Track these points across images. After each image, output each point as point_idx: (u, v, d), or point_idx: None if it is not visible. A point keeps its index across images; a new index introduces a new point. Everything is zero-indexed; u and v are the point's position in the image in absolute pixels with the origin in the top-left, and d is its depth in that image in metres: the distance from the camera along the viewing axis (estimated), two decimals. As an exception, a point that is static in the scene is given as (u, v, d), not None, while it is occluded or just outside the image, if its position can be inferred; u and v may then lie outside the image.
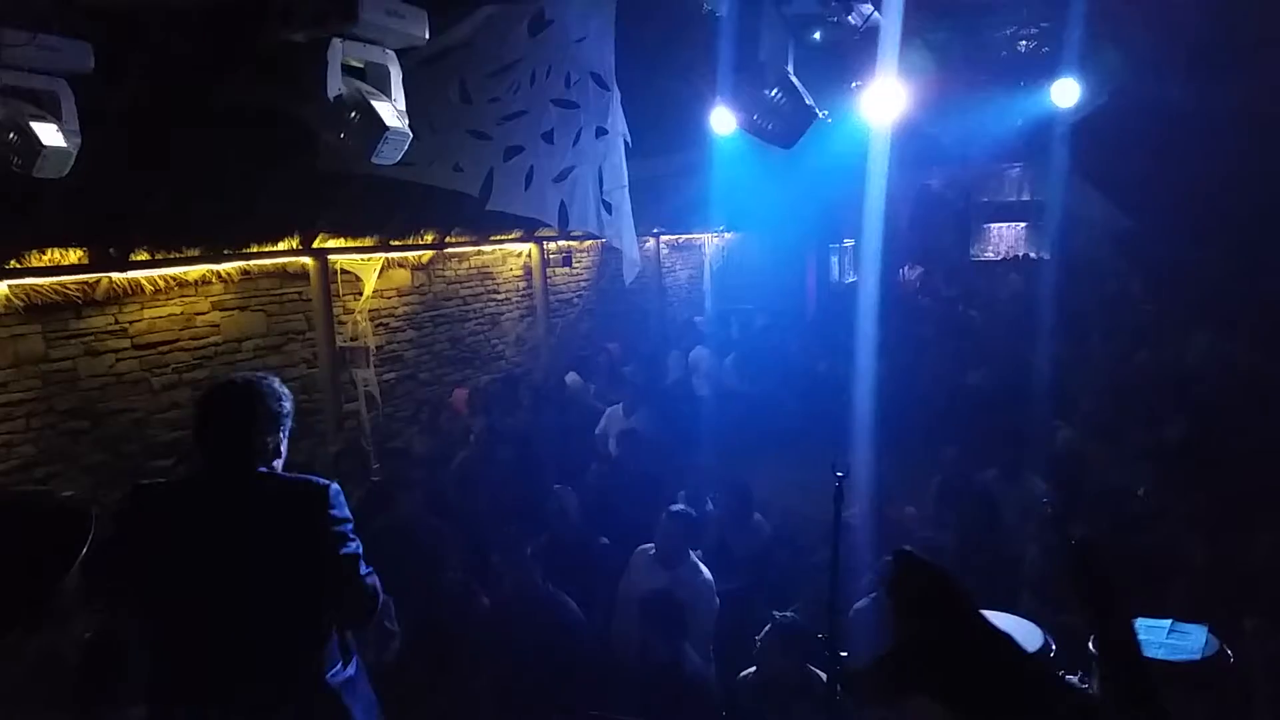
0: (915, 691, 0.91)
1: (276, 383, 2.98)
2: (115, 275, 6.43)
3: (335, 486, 2.87)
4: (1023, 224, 17.88)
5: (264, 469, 2.89)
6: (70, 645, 4.03)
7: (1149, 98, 8.28)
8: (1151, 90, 8.15)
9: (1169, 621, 3.82)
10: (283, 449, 2.96)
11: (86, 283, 6.31)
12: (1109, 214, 12.35)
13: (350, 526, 2.88)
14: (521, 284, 11.38)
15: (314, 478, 2.91)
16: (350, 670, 2.97)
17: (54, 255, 5.86)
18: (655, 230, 13.84)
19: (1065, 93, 8.14)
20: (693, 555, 5.22)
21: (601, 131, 5.61)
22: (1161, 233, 10.46)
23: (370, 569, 2.92)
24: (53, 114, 3.67)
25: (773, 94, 4.68)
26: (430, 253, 9.59)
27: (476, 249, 10.37)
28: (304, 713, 2.83)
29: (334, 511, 2.83)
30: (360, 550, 2.90)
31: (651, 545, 5.27)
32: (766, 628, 4.23)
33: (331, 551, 2.81)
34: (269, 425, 2.89)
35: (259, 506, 2.86)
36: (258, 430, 2.87)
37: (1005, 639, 0.91)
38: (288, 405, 2.98)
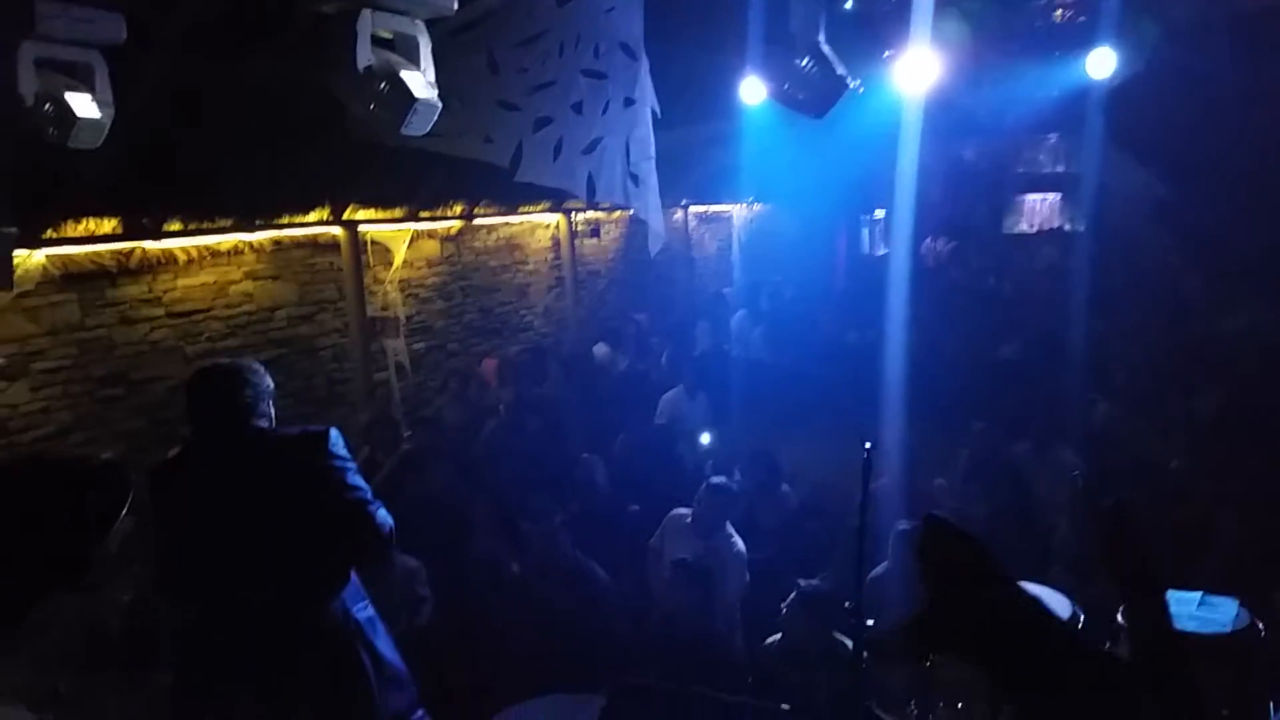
0: (943, 653, 0.92)
1: (252, 363, 3.16)
2: (149, 245, 6.50)
3: (334, 430, 2.99)
4: (1057, 196, 17.61)
5: (259, 426, 3.01)
6: (110, 610, 4.12)
7: (1189, 65, 8.11)
8: (1192, 58, 7.98)
9: (1199, 594, 3.81)
10: (271, 417, 3.08)
11: (121, 252, 6.39)
12: (1146, 185, 12.14)
13: (353, 465, 2.99)
14: (550, 255, 11.39)
15: (311, 426, 3.02)
16: (370, 611, 3.06)
17: (89, 225, 5.92)
18: (683, 201, 13.76)
19: (1101, 63, 7.99)
20: (728, 526, 5.25)
21: (629, 102, 5.58)
22: (1200, 203, 10.28)
23: (379, 503, 3.00)
24: (87, 85, 3.70)
25: (804, 63, 4.61)
26: (459, 224, 9.61)
27: (505, 220, 10.38)
28: (334, 644, 2.92)
29: (334, 449, 2.93)
30: (365, 485, 2.98)
31: (687, 511, 5.31)
32: (791, 595, 4.26)
33: (337, 489, 2.91)
34: (255, 395, 3.06)
35: (263, 458, 2.97)
36: (246, 399, 3.03)
37: (1033, 600, 0.92)
38: (268, 380, 3.15)
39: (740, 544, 5.22)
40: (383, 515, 3.00)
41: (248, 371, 3.07)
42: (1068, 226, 16.56)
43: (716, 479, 5.44)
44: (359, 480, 2.99)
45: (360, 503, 2.95)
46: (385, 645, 3.08)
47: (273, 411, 3.12)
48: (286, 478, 2.94)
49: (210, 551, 2.94)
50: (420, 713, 3.26)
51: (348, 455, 3.00)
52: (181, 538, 2.99)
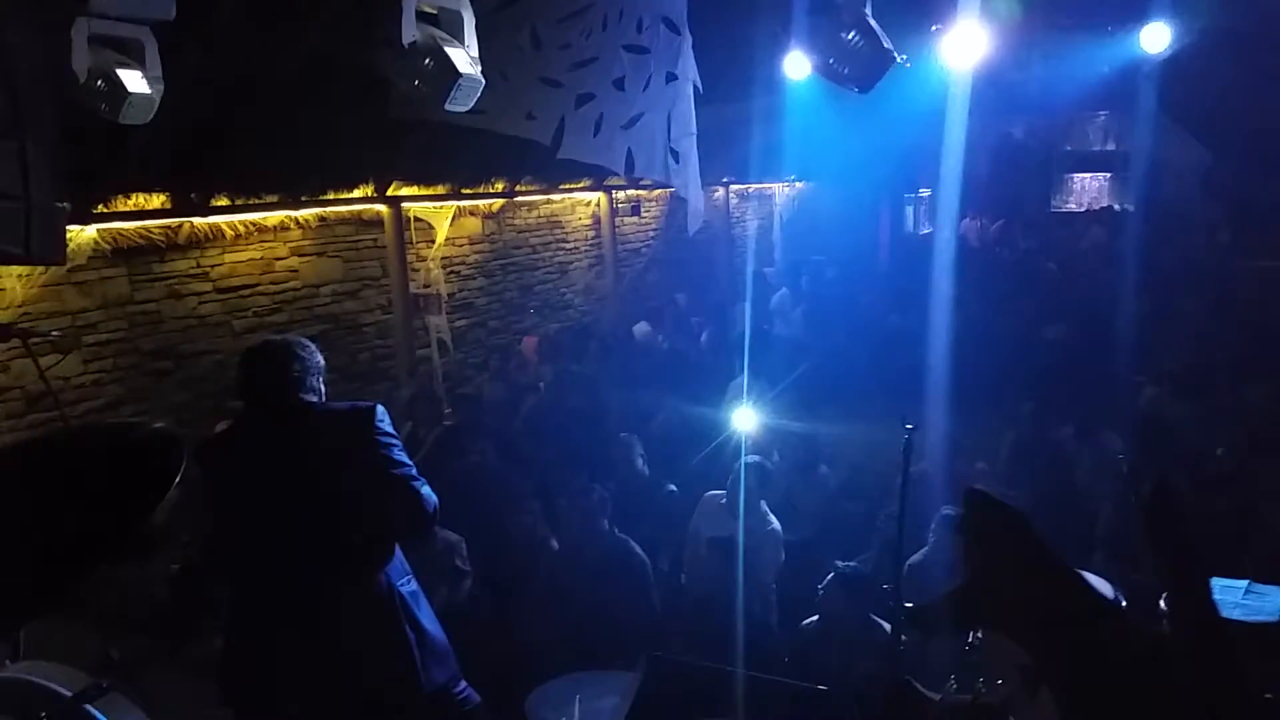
0: (984, 625, 0.91)
1: (303, 340, 3.22)
2: (196, 220, 6.59)
3: (380, 406, 3.04)
4: (1107, 175, 17.29)
5: (308, 400, 3.06)
6: (159, 578, 4.22)
7: (1243, 35, 7.90)
8: (1247, 27, 7.77)
9: (1246, 582, 3.75)
10: (320, 393, 3.16)
11: (169, 227, 6.48)
12: (1198, 163, 11.88)
13: (398, 441, 3.05)
14: (590, 233, 11.39)
15: (360, 402, 3.08)
16: (414, 586, 3.11)
17: (138, 200, 6.02)
18: (724, 179, 13.68)
19: (1155, 37, 7.80)
20: (763, 505, 5.24)
21: (671, 77, 5.54)
22: (1254, 177, 10.03)
23: (423, 480, 3.05)
24: (137, 61, 3.75)
25: (849, 37, 4.54)
26: (500, 201, 9.65)
27: (546, 198, 10.40)
28: (378, 618, 2.97)
29: (380, 425, 2.99)
30: (410, 461, 3.04)
31: (722, 492, 5.30)
32: (829, 576, 4.24)
33: (383, 464, 2.97)
34: (304, 370, 3.11)
35: (312, 431, 3.03)
36: (295, 373, 3.08)
37: (1077, 577, 0.91)
38: (319, 357, 3.20)
39: (776, 523, 5.21)
40: (426, 491, 3.04)
41: (298, 347, 3.13)
42: (1117, 206, 16.27)
43: (750, 458, 5.42)
44: (404, 456, 3.04)
45: (404, 479, 3.00)
46: (428, 619, 3.12)
47: (322, 388, 3.17)
48: (333, 452, 2.99)
49: (258, 524, 3.00)
50: (462, 685, 3.29)
51: (394, 432, 3.06)
52: (231, 510, 3.05)
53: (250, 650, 3.06)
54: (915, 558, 4.77)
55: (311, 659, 2.95)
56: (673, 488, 6.14)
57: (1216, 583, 3.61)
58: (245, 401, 3.17)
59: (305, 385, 3.07)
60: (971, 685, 3.46)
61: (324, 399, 3.18)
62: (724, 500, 5.28)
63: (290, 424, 3.03)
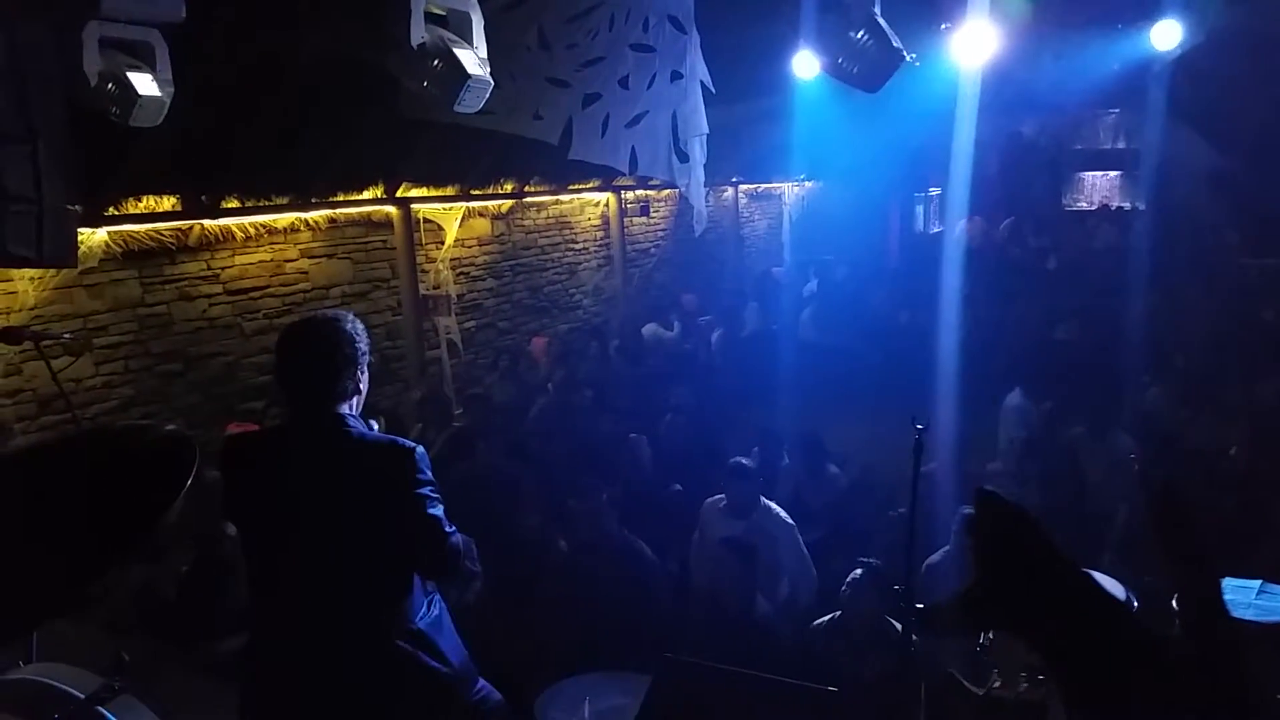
0: (994, 628, 0.91)
1: (352, 322, 2.97)
2: (207, 222, 6.62)
3: (421, 449, 2.90)
4: (1117, 173, 17.22)
5: (348, 413, 2.94)
6: (168, 578, 4.23)
7: (1255, 33, 7.86)
8: (1258, 25, 7.73)
9: (1258, 582, 3.74)
10: (363, 386, 2.98)
11: (180, 229, 6.51)
12: (1208, 162, 11.82)
13: (434, 488, 2.91)
14: (599, 234, 11.40)
15: (401, 440, 2.94)
16: (435, 611, 3.04)
17: (149, 202, 6.05)
18: (733, 179, 13.66)
19: (1166, 35, 7.76)
20: (764, 501, 5.22)
21: (677, 75, 5.53)
22: (1263, 178, 9.97)
23: (454, 528, 2.95)
24: (148, 64, 3.76)
25: (858, 36, 4.53)
26: (510, 202, 9.66)
27: (555, 199, 10.41)
28: (395, 657, 2.92)
29: (419, 474, 2.87)
30: (443, 511, 2.93)
31: (722, 496, 5.29)
32: (858, 571, 4.21)
33: (417, 511, 2.85)
34: (347, 364, 2.90)
35: (349, 460, 2.89)
36: (336, 369, 2.89)
37: (1087, 578, 0.90)
38: (364, 344, 2.97)
39: (785, 515, 5.17)
40: (456, 539, 2.93)
41: (339, 337, 2.90)
42: (1127, 205, 16.20)
43: (735, 460, 5.41)
44: (439, 506, 2.91)
45: (438, 529, 2.88)
46: (450, 646, 3.02)
47: (364, 380, 2.97)
48: (371, 483, 2.87)
49: (275, 541, 2.91)
50: (480, 684, 3.24)
51: (430, 477, 2.92)
52: (249, 518, 2.99)
53: (268, 674, 2.98)
54: (934, 558, 4.74)
55: (324, 696, 2.89)
56: (678, 487, 6.14)
57: (1229, 583, 3.60)
58: (281, 393, 3.04)
59: (341, 387, 2.88)
60: (1014, 680, 3.45)
61: (364, 389, 3.04)
62: (724, 504, 5.27)
63: (325, 447, 2.89)
